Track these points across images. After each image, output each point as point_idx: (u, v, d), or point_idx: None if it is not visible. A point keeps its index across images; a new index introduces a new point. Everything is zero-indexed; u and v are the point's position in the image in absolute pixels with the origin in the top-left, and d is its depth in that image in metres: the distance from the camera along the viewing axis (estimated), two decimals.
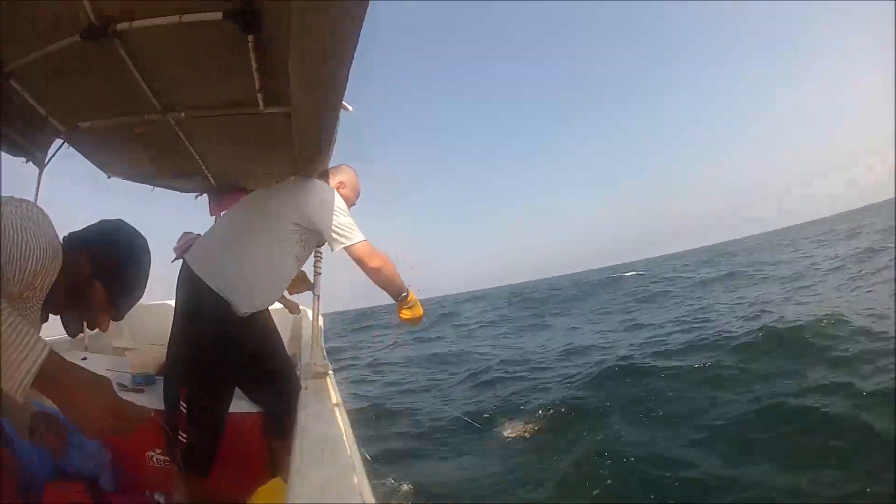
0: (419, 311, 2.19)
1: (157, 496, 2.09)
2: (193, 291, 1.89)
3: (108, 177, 2.86)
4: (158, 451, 2.17)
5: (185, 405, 1.87)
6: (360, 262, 2.02)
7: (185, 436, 1.87)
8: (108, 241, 1.21)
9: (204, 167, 2.74)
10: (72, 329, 1.24)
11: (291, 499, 0.77)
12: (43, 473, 1.76)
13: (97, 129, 2.21)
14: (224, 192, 3.17)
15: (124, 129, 2.20)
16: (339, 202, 2.02)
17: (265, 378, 2.12)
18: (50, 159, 2.37)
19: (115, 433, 0.96)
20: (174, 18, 1.49)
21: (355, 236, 1.99)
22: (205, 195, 3.30)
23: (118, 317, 1.26)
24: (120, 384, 2.32)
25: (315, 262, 2.28)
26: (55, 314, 1.19)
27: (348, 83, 1.28)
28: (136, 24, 1.52)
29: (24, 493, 1.60)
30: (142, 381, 2.39)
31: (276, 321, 2.29)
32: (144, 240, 1.29)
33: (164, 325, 2.03)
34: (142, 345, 3.27)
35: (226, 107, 2.06)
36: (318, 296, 2.31)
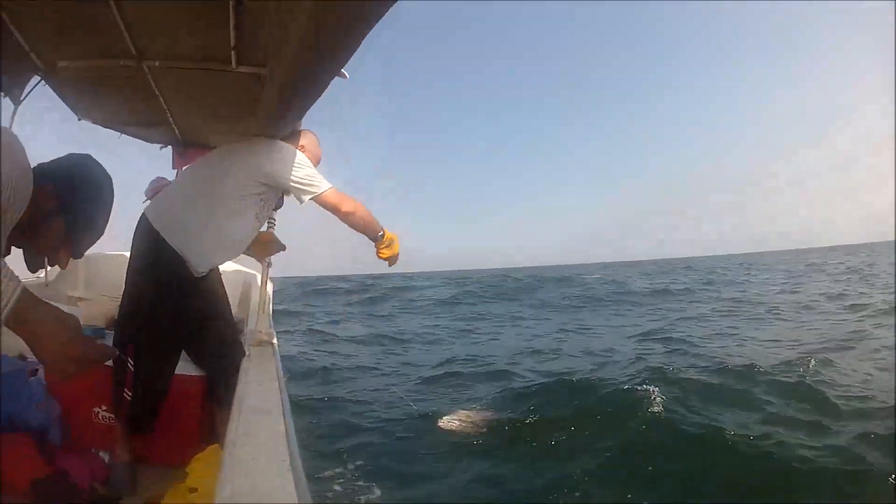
0: (396, 248, 2.18)
1: (101, 454, 2.06)
2: (151, 247, 1.85)
3: (79, 119, 2.78)
4: (104, 407, 2.14)
5: (132, 362, 1.84)
6: (333, 210, 2.00)
7: (130, 393, 1.85)
8: (73, 175, 1.19)
9: (171, 119, 2.67)
10: (33, 264, 1.21)
11: (224, 469, 0.77)
12: None
13: (74, 70, 2.14)
14: (189, 146, 3.10)
15: (100, 71, 2.15)
16: (301, 158, 1.99)
17: (211, 342, 2.06)
18: (26, 96, 2.29)
19: (80, 370, 0.96)
20: None
21: (323, 185, 1.98)
22: (169, 147, 3.20)
23: (77, 254, 1.24)
24: None
25: (268, 227, 2.25)
26: (18, 247, 1.15)
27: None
28: None
29: None
30: (90, 334, 2.33)
31: (225, 283, 2.24)
32: (110, 178, 1.27)
33: (120, 276, 1.99)
34: (95, 295, 3.20)
35: (198, 61, 2.01)
36: (269, 262, 2.27)
